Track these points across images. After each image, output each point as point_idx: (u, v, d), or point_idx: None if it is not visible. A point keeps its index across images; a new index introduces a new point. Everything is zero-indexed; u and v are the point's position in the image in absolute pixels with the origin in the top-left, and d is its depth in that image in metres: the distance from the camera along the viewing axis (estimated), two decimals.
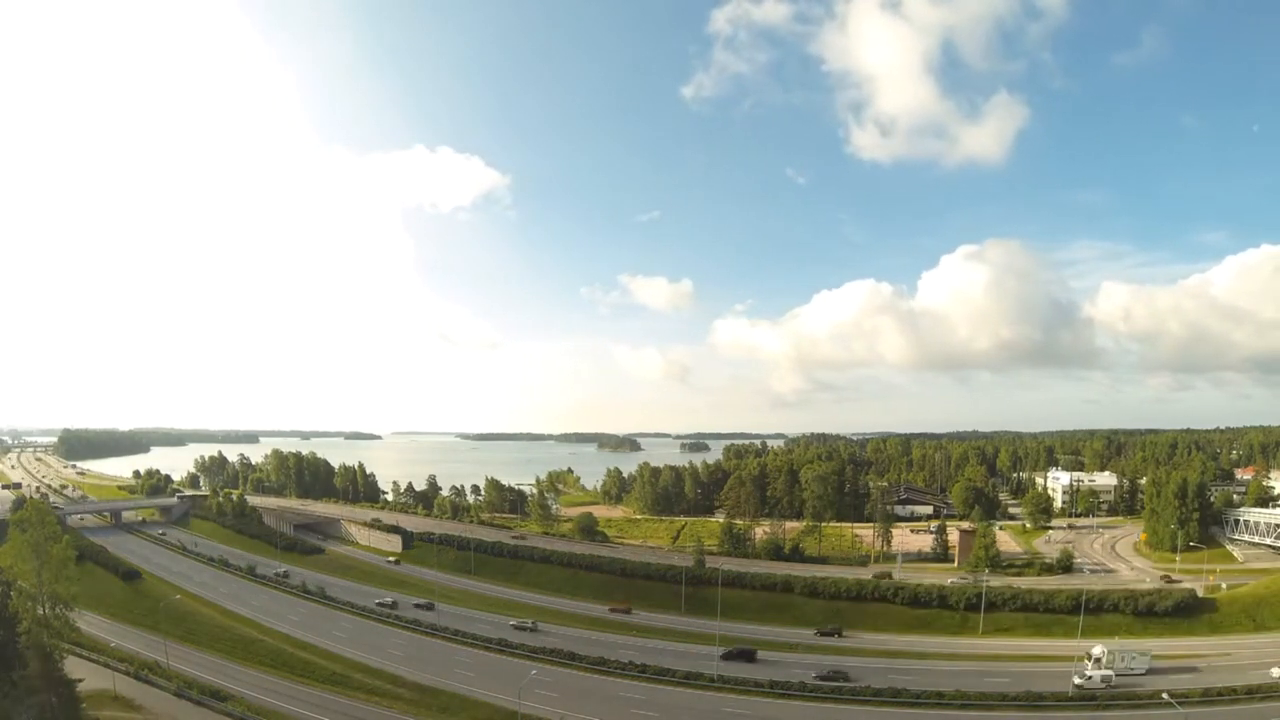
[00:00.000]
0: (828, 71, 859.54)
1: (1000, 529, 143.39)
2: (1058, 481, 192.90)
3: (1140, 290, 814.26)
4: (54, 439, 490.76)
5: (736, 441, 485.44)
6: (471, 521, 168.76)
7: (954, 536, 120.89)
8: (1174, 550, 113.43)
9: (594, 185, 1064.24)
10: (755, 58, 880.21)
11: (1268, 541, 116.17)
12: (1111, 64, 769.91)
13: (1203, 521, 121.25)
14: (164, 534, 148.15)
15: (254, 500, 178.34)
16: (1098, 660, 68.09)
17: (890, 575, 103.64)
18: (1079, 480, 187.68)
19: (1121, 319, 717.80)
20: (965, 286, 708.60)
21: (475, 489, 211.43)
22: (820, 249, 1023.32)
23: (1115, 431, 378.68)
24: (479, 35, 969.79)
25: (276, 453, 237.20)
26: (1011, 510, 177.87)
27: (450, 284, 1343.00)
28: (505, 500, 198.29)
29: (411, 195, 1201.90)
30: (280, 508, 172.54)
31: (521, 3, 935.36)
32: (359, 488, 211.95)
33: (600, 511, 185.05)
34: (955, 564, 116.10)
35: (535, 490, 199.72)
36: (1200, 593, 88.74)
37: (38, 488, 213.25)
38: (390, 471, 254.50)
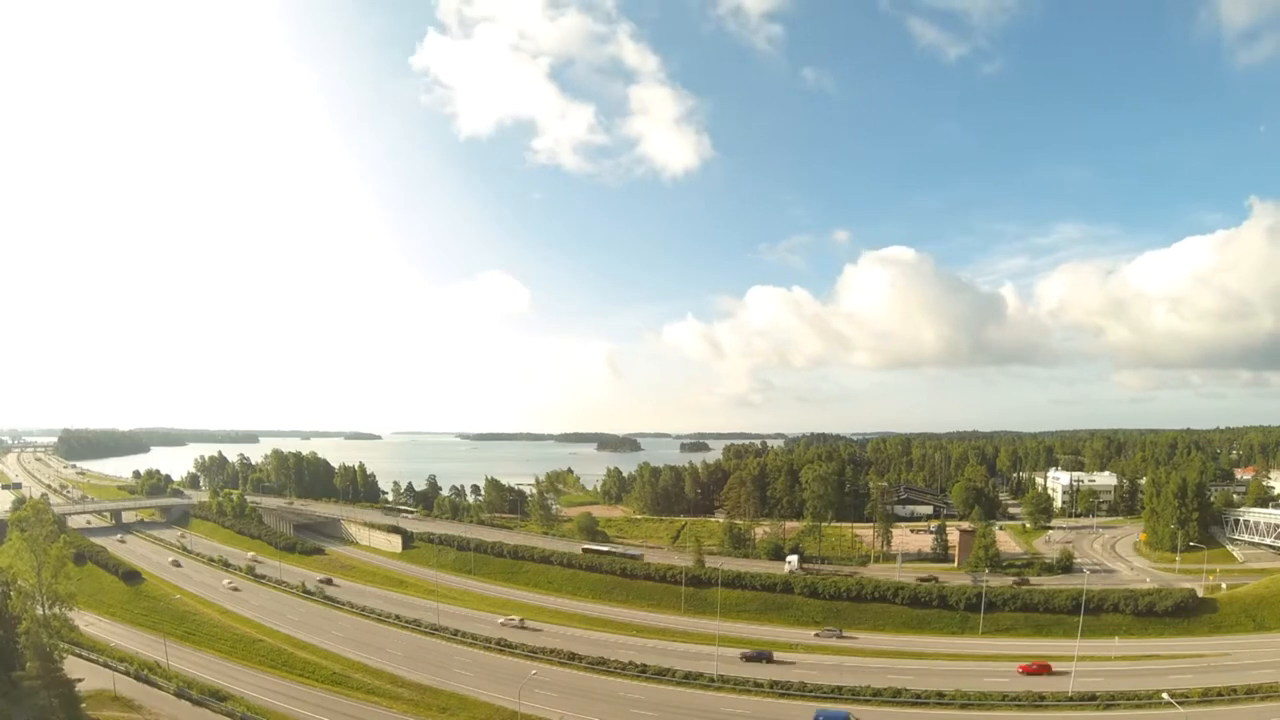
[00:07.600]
0: None
1: (1000, 529, 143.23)
2: (1058, 481, 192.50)
3: (1125, 289, 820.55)
4: (54, 439, 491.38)
5: (736, 441, 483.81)
6: (471, 521, 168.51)
7: (954, 536, 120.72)
8: (1174, 550, 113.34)
9: None
10: None
11: (1268, 541, 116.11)
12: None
13: (1202, 521, 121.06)
14: (164, 534, 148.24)
15: (254, 500, 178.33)
16: None
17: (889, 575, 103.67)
18: (1079, 480, 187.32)
19: (1101, 317, 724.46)
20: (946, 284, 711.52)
21: (475, 489, 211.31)
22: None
23: (1115, 431, 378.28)
24: None
25: (276, 453, 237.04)
26: (1011, 510, 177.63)
27: (445, 285, 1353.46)
28: (505, 500, 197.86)
29: (405, 197, 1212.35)
30: (280, 508, 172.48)
31: None
32: (359, 488, 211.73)
33: (600, 511, 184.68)
34: (955, 564, 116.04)
35: (535, 490, 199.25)
36: (1200, 593, 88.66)
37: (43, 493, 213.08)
38: (390, 470, 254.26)
